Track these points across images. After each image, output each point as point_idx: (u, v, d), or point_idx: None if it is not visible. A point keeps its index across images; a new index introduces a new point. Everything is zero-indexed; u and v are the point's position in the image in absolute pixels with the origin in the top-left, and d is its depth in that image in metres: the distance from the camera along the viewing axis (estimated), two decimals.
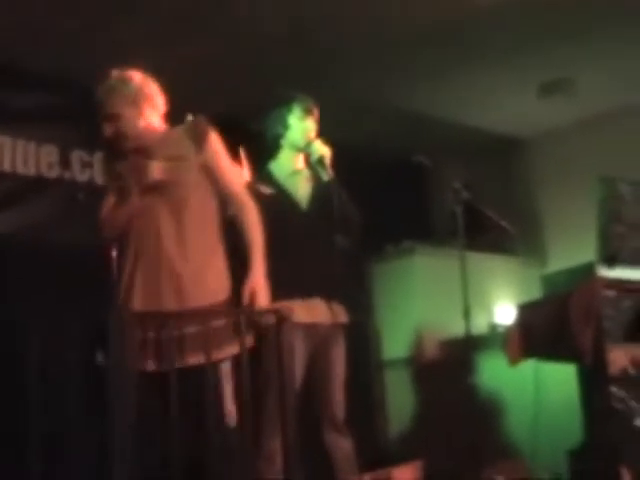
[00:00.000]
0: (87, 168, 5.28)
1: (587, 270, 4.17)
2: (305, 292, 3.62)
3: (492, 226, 4.67)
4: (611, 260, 4.14)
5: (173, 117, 3.43)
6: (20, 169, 4.99)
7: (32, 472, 2.90)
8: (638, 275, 4.20)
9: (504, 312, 5.83)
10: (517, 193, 6.86)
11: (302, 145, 3.84)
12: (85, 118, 5.20)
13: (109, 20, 4.64)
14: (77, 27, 4.67)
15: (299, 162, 3.88)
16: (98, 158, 5.30)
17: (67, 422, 3.05)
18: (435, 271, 5.71)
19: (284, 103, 3.84)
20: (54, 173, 5.13)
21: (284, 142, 3.85)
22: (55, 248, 4.85)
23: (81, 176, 5.24)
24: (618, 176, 4.33)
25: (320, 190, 3.80)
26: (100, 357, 3.04)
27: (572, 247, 5.57)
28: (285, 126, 3.83)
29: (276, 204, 3.68)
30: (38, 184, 5.04)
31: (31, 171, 5.04)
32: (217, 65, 5.21)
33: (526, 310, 4.41)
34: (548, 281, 4.55)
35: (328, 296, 3.70)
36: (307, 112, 3.84)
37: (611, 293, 4.02)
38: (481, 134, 6.63)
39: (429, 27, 4.96)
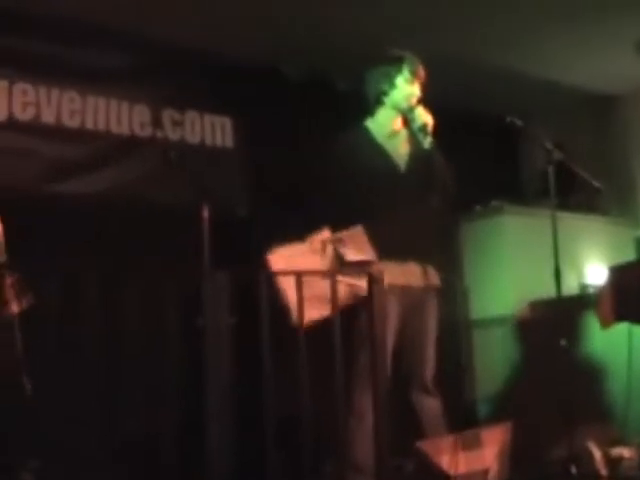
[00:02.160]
0: (178, 127, 5.37)
1: None
2: (401, 254, 3.65)
3: (584, 186, 4.59)
4: None
5: None
6: (114, 128, 5.10)
7: (132, 431, 3.01)
8: None
9: (595, 273, 5.75)
10: (611, 152, 6.71)
11: (405, 108, 3.81)
12: (175, 78, 5.34)
13: None
14: None
15: (398, 123, 3.86)
16: (189, 117, 5.39)
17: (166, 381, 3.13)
18: (525, 231, 5.64)
19: (394, 61, 3.80)
20: (146, 132, 5.23)
21: (386, 101, 3.82)
22: (148, 206, 4.96)
23: (173, 135, 5.33)
24: None
25: (419, 154, 3.79)
26: (200, 320, 3.11)
27: None
28: (391, 85, 3.79)
29: (375, 164, 3.70)
30: (131, 143, 5.15)
31: (124, 130, 5.15)
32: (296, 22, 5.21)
33: (618, 272, 4.35)
34: None
35: (422, 259, 3.72)
36: (415, 75, 3.81)
37: None
38: (575, 92, 6.49)
39: None
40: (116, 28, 5.03)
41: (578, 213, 5.92)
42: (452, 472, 3.43)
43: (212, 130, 5.49)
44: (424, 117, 3.76)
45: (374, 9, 5.10)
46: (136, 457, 3.24)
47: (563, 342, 3.96)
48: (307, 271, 3.24)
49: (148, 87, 5.26)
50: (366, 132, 3.82)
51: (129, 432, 3.19)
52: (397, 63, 3.79)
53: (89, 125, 5.01)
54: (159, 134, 5.27)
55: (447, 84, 3.87)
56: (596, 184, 4.38)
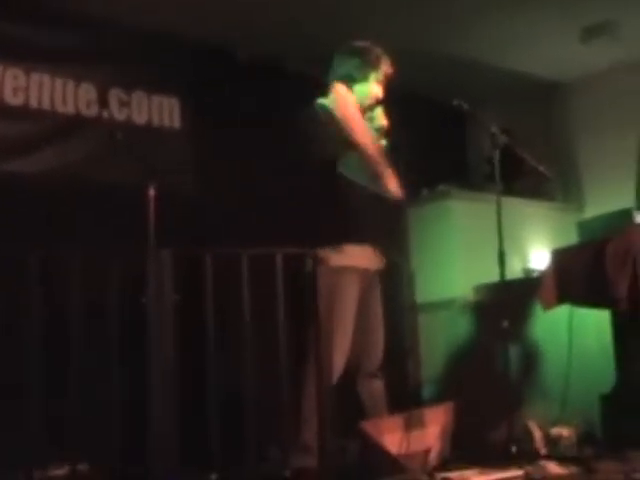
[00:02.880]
0: (125, 107, 5.32)
1: (624, 217, 4.16)
2: (361, 238, 3.70)
3: (529, 171, 4.64)
4: None
5: None
6: (59, 107, 5.04)
7: (70, 406, 3.00)
8: None
9: (539, 257, 5.83)
10: (556, 138, 6.80)
11: (366, 103, 3.85)
12: (122, 57, 5.29)
13: None
14: None
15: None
16: (136, 97, 5.35)
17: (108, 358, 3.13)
18: (471, 215, 5.69)
19: (374, 58, 3.83)
20: (92, 112, 5.18)
21: (350, 87, 3.84)
22: (94, 186, 4.92)
23: (119, 115, 5.28)
24: None
25: None
26: (144, 298, 3.10)
27: (610, 193, 5.54)
28: (364, 77, 3.83)
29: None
30: (77, 122, 5.09)
31: (70, 109, 5.08)
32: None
33: (561, 255, 4.42)
34: (584, 227, 4.52)
35: (374, 242, 3.77)
36: (386, 78, 3.87)
37: None
38: (522, 78, 6.57)
39: None
40: (64, 5, 4.96)
41: (523, 198, 5.99)
42: (395, 451, 3.48)
43: (159, 111, 5.45)
44: (382, 119, 3.81)
45: None
46: (79, 436, 3.22)
47: (505, 324, 4.01)
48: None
49: (95, 66, 5.19)
50: (324, 108, 3.82)
51: (71, 409, 3.16)
52: (376, 61, 3.82)
53: (33, 103, 4.93)
54: (105, 114, 5.21)
55: (396, 68, 3.88)
56: (542, 169, 4.43)
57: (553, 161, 5.81)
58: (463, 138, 7.02)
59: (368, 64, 3.84)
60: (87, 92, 5.16)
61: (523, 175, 5.59)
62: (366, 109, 3.86)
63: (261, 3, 5.18)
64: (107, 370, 3.19)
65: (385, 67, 3.86)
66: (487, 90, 6.34)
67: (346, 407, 3.71)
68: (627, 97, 6.23)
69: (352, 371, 3.77)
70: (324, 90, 3.90)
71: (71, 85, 5.11)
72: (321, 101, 3.84)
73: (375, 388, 3.87)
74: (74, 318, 3.18)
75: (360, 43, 3.89)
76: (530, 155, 4.39)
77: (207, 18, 5.29)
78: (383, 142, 3.83)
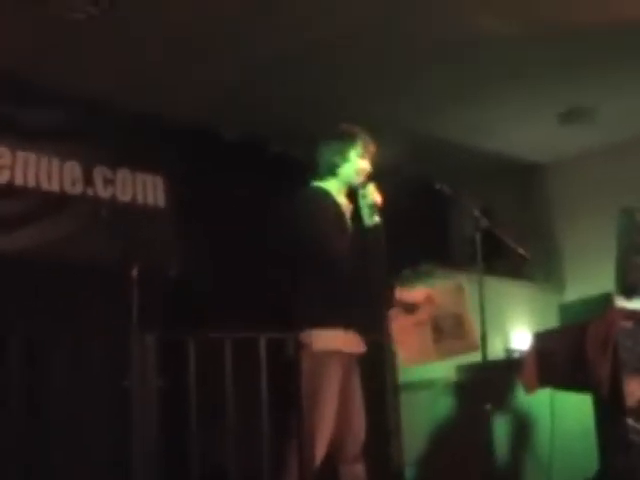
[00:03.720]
0: (109, 185, 5.35)
1: (605, 300, 4.20)
2: (346, 323, 3.70)
3: (510, 252, 4.68)
4: (629, 291, 4.17)
5: None
6: (44, 185, 5.07)
7: None
8: None
9: (521, 338, 5.85)
10: (536, 219, 6.88)
11: (355, 182, 3.88)
12: (107, 136, 5.34)
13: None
14: (104, 48, 4.75)
15: (344, 197, 3.91)
16: (121, 175, 5.39)
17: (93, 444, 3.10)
18: None
19: (348, 136, 3.89)
20: (77, 189, 5.21)
21: (337, 173, 3.89)
22: (77, 265, 4.91)
23: (104, 192, 5.31)
24: (638, 206, 4.36)
25: (361, 228, 3.85)
26: (127, 382, 3.09)
27: (591, 275, 5.60)
28: (344, 159, 3.86)
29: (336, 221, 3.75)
30: (62, 200, 5.12)
31: (55, 187, 5.11)
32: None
33: (542, 338, 4.44)
34: (565, 310, 4.56)
35: (358, 325, 3.78)
36: (368, 152, 3.89)
37: (628, 324, 4.05)
38: (502, 160, 6.69)
39: (449, 53, 5.03)
40: (49, 85, 5.03)
41: (505, 278, 6.03)
42: None
43: (144, 189, 5.48)
44: (375, 195, 3.83)
45: (310, 77, 5.22)
46: None
47: (487, 407, 4.01)
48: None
49: (80, 144, 5.24)
50: (322, 189, 3.86)
51: None
52: (351, 138, 3.87)
53: (18, 181, 4.96)
54: (90, 192, 5.23)
55: (378, 150, 3.94)
56: (521, 251, 4.47)
57: (533, 242, 5.86)
58: (445, 219, 7.10)
59: (345, 144, 3.86)
60: (72, 170, 5.20)
61: (504, 256, 5.64)
62: (358, 187, 3.88)
63: (246, 84, 5.27)
64: (89, 454, 3.16)
65: (362, 141, 3.88)
66: (468, 170, 6.43)
67: None
68: (605, 180, 6.35)
69: (333, 456, 3.74)
70: (309, 172, 3.94)
71: (56, 163, 5.15)
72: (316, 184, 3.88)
73: (356, 473, 3.83)
74: (55, 400, 3.15)
75: (332, 130, 3.94)
76: (510, 236, 4.44)
77: (192, 98, 5.38)
78: (377, 219, 3.85)
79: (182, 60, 4.95)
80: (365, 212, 3.82)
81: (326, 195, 3.81)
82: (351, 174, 3.85)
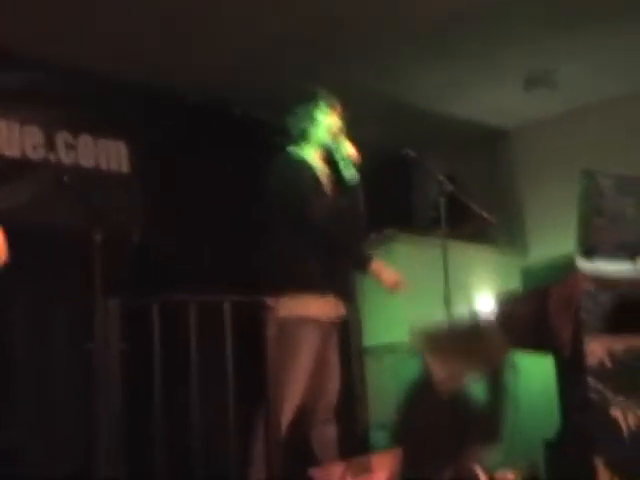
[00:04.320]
0: (72, 150, 5.29)
1: (567, 262, 4.23)
2: (322, 288, 3.71)
3: (474, 216, 4.71)
4: (590, 253, 4.21)
5: None
6: (5, 150, 5.00)
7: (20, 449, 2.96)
8: (616, 268, 4.28)
9: (485, 302, 5.90)
10: (501, 184, 6.93)
11: (328, 141, 3.88)
12: (69, 101, 5.28)
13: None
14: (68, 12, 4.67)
15: (319, 160, 3.92)
16: (83, 140, 5.33)
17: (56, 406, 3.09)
18: (416, 259, 5.75)
19: (309, 98, 3.86)
20: (39, 155, 5.14)
21: (309, 137, 3.88)
22: (40, 230, 4.86)
23: (66, 158, 5.25)
24: (600, 169, 4.39)
25: (338, 190, 3.86)
26: (90, 345, 3.08)
27: (553, 238, 5.63)
28: (312, 121, 3.85)
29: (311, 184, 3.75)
30: (23, 166, 5.05)
31: (15, 152, 5.05)
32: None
33: (505, 301, 4.47)
34: (528, 273, 4.60)
35: (335, 291, 3.79)
36: (332, 107, 3.88)
37: (590, 286, 4.08)
38: (466, 126, 6.71)
39: (413, 20, 5.02)
40: (10, 47, 4.94)
41: (468, 243, 6.08)
42: None
43: (107, 154, 5.43)
44: (349, 149, 3.84)
45: (276, 43, 5.19)
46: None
47: None
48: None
49: (41, 109, 5.17)
50: (297, 155, 3.86)
51: (17, 457, 3.12)
52: (313, 99, 3.85)
53: None
54: (52, 157, 5.17)
55: (347, 119, 3.94)
56: (485, 215, 4.50)
57: (497, 207, 5.90)
58: (409, 184, 7.11)
59: (307, 107, 3.87)
60: (33, 135, 5.14)
61: (468, 220, 5.66)
62: (330, 145, 3.88)
63: (209, 48, 5.23)
64: (54, 417, 3.15)
65: (324, 99, 3.88)
66: (432, 137, 6.46)
67: (297, 455, 3.71)
68: (568, 144, 6.40)
69: (305, 417, 3.77)
70: (275, 135, 3.94)
71: (17, 128, 5.08)
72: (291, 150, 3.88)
73: (327, 434, 3.87)
74: (19, 364, 3.13)
75: (293, 96, 3.93)
76: (475, 201, 4.47)
77: (154, 61, 5.32)
78: (353, 173, 3.85)
79: (146, 25, 4.89)
80: (342, 166, 3.85)
81: (302, 161, 3.82)
82: (322, 134, 3.87)
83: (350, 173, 3.84)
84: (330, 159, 3.91)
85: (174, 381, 3.24)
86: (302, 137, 3.87)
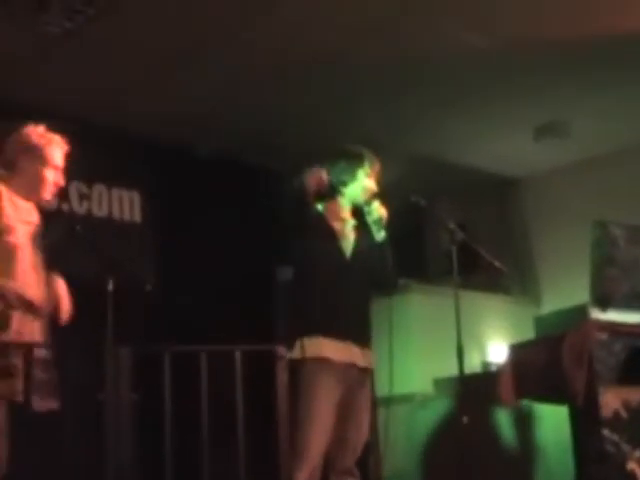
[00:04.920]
0: (85, 200, 5.33)
1: (580, 312, 4.22)
2: (341, 334, 3.72)
3: (486, 265, 4.70)
4: (604, 303, 4.18)
5: None
6: None
7: None
8: (630, 318, 4.25)
9: (498, 351, 5.86)
10: (512, 233, 6.92)
11: (361, 200, 3.94)
12: (83, 151, 5.31)
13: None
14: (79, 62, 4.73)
15: (348, 212, 3.96)
16: (96, 190, 5.37)
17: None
18: (430, 309, 5.74)
19: (356, 157, 3.92)
20: (52, 205, 5.17)
21: (344, 192, 3.93)
22: None
23: (79, 208, 5.29)
24: (611, 219, 4.39)
25: (364, 243, 3.90)
26: (101, 395, 3.07)
27: (566, 288, 5.61)
28: (352, 178, 3.91)
29: (325, 244, 3.80)
30: None
31: None
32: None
33: (519, 350, 4.44)
34: (541, 322, 4.58)
35: (360, 340, 3.80)
36: (374, 171, 3.95)
37: (603, 336, 4.05)
38: (478, 174, 6.72)
39: (427, 68, 5.07)
40: (23, 100, 5.00)
41: (481, 292, 6.05)
42: None
43: (120, 204, 5.47)
44: (380, 211, 3.90)
45: (286, 92, 5.24)
46: None
47: (465, 420, 4.01)
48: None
49: None
50: (318, 215, 3.91)
51: None
52: (359, 158, 3.91)
53: None
54: (65, 207, 5.21)
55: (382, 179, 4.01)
56: (498, 264, 4.49)
57: (509, 255, 5.89)
58: (421, 233, 7.11)
59: (353, 164, 3.93)
60: None
61: (480, 269, 5.66)
62: (363, 204, 3.94)
63: (217, 101, 5.28)
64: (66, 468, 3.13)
65: (369, 161, 3.96)
66: (444, 185, 6.47)
67: None
68: (579, 193, 6.40)
69: (326, 467, 3.75)
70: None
71: None
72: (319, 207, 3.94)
73: None
74: (30, 414, 3.11)
75: (342, 146, 4.00)
76: (486, 250, 4.46)
77: (169, 114, 5.37)
78: (382, 234, 3.89)
79: (158, 77, 4.95)
80: (373, 228, 3.91)
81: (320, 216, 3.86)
82: (357, 193, 3.93)
83: (379, 235, 3.89)
84: (361, 218, 3.98)
85: (185, 429, 3.21)
86: (336, 190, 3.93)
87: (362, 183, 3.95)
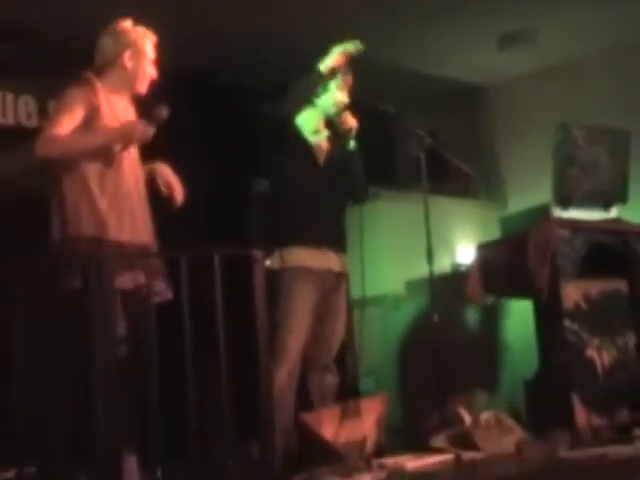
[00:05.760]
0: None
1: (543, 211, 4.26)
2: (317, 241, 3.76)
3: (454, 171, 4.72)
4: (565, 201, 4.23)
5: None
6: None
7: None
8: (590, 215, 4.31)
9: (466, 253, 5.92)
10: (479, 139, 6.93)
11: (332, 112, 3.90)
12: (61, 70, 5.23)
13: None
14: None
15: (321, 123, 3.97)
16: None
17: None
18: (399, 215, 5.77)
19: (329, 68, 3.87)
20: (32, 123, 5.13)
21: (316, 103, 3.91)
22: (35, 195, 4.85)
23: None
24: (573, 122, 4.40)
25: (336, 154, 3.94)
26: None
27: (530, 190, 5.64)
28: (325, 89, 3.89)
29: (301, 154, 3.82)
30: (18, 133, 5.02)
31: (9, 121, 5.06)
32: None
33: (485, 250, 4.50)
34: (506, 222, 4.61)
35: (336, 246, 3.83)
36: (346, 84, 3.97)
37: (565, 232, 4.11)
38: (445, 83, 6.68)
39: None
40: (4, 19, 4.90)
41: (449, 197, 6.08)
42: (333, 440, 3.51)
43: None
44: (351, 122, 3.93)
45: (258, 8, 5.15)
46: (26, 438, 3.17)
47: (435, 317, 4.08)
48: None
49: (34, 79, 5.14)
50: (296, 127, 3.90)
51: (17, 411, 3.11)
52: (331, 71, 3.89)
53: None
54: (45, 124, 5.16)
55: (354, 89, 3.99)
56: (466, 169, 4.51)
57: (477, 161, 5.90)
58: (390, 141, 7.08)
59: (325, 76, 3.90)
60: (27, 104, 5.12)
61: (449, 175, 5.67)
62: (333, 116, 3.93)
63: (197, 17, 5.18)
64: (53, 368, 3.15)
65: (343, 74, 3.93)
66: (412, 94, 6.41)
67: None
68: (544, 100, 6.40)
69: (304, 365, 3.83)
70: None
71: (10, 97, 5.08)
72: None
73: (325, 381, 3.92)
74: (19, 315, 3.12)
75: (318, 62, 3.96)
76: (454, 156, 4.47)
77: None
78: (352, 144, 3.93)
79: None
80: (343, 139, 3.95)
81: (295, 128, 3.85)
82: (329, 105, 3.92)
83: (350, 145, 3.90)
84: (332, 128, 3.97)
85: (168, 332, 3.23)
86: (308, 101, 3.91)
87: (334, 95, 3.94)
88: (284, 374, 3.70)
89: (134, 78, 3.46)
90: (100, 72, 3.45)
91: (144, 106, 3.59)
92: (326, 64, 3.82)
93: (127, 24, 3.49)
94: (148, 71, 3.47)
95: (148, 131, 3.36)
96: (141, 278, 3.25)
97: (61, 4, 4.87)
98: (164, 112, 3.38)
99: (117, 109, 3.42)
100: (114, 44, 3.44)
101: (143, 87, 3.49)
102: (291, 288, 3.73)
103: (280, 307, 3.73)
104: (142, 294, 3.22)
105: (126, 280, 3.23)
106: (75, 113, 3.30)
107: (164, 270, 3.39)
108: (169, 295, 3.39)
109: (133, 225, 3.36)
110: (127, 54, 3.42)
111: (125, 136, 3.31)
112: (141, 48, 3.45)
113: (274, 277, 3.71)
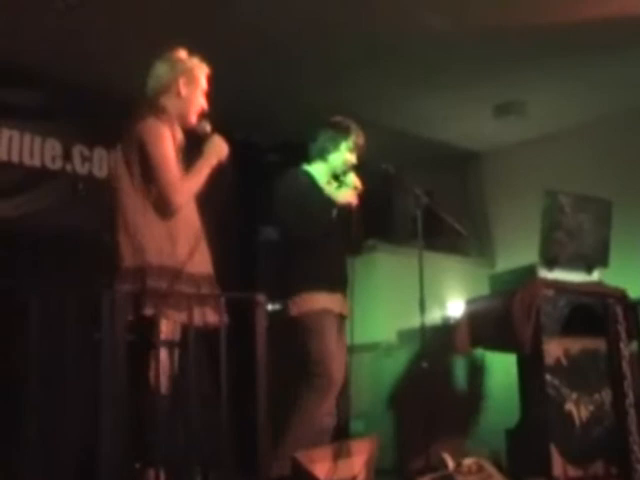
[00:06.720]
0: (87, 162, 5.35)
1: (530, 271, 4.31)
2: (332, 285, 3.81)
3: (448, 229, 4.77)
4: (551, 263, 4.29)
5: None
6: (27, 161, 5.08)
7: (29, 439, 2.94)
8: (573, 277, 4.36)
9: (456, 307, 5.96)
10: (472, 201, 7.01)
11: (339, 170, 3.99)
12: (85, 116, 5.32)
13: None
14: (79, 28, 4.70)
15: (329, 177, 4.07)
16: (97, 153, 5.39)
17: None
18: (396, 268, 5.82)
19: (344, 129, 3.98)
20: (57, 165, 5.21)
21: (326, 159, 4.01)
22: (57, 231, 4.93)
23: (81, 169, 5.31)
24: (560, 189, 4.48)
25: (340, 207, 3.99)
26: (97, 334, 3.08)
27: (518, 250, 5.71)
28: (336, 148, 3.97)
29: (316, 200, 3.88)
30: (42, 175, 5.13)
31: (36, 163, 5.13)
32: None
33: (474, 304, 4.54)
34: (495, 280, 4.66)
35: (344, 290, 3.91)
36: (357, 147, 4.03)
37: (549, 292, 4.17)
38: (443, 147, 6.78)
39: (394, 48, 5.09)
40: (33, 67, 5.01)
41: (443, 253, 6.13)
42: (324, 478, 3.51)
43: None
44: (356, 182, 4.02)
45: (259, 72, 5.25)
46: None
47: (424, 365, 4.11)
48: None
49: (60, 123, 5.23)
50: (308, 173, 3.96)
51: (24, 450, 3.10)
52: (347, 131, 3.98)
53: (3, 157, 4.97)
54: (68, 167, 5.23)
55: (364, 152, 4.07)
56: (459, 228, 4.57)
57: (469, 221, 5.96)
58: (390, 199, 7.16)
59: (339, 135, 3.98)
60: (52, 147, 5.20)
61: (442, 233, 5.72)
62: (339, 175, 4.00)
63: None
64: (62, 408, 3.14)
65: (355, 137, 4.00)
66: (412, 156, 6.50)
67: None
68: (534, 166, 6.49)
69: None
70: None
71: (38, 140, 5.16)
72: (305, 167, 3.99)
73: (326, 423, 3.95)
74: (32, 357, 3.11)
75: (333, 118, 4.04)
76: (448, 215, 4.53)
77: None
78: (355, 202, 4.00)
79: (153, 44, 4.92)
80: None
81: (311, 178, 3.91)
82: (338, 164, 3.99)
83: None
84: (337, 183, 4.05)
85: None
86: (320, 155, 3.98)
87: (344, 155, 4.01)
88: (331, 402, 3.78)
89: (187, 106, 3.28)
90: (153, 100, 3.27)
91: None
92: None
93: (183, 53, 3.33)
94: (200, 101, 3.31)
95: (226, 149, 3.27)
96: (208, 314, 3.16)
97: (87, 54, 4.96)
98: (207, 127, 3.32)
99: (177, 141, 3.26)
100: (170, 70, 3.27)
101: (194, 117, 3.31)
102: (320, 326, 3.79)
103: (313, 346, 3.78)
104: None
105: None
106: (171, 151, 3.16)
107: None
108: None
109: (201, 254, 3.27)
110: (182, 81, 3.26)
111: (220, 158, 3.25)
112: (196, 77, 3.29)
113: (298, 322, 3.79)
